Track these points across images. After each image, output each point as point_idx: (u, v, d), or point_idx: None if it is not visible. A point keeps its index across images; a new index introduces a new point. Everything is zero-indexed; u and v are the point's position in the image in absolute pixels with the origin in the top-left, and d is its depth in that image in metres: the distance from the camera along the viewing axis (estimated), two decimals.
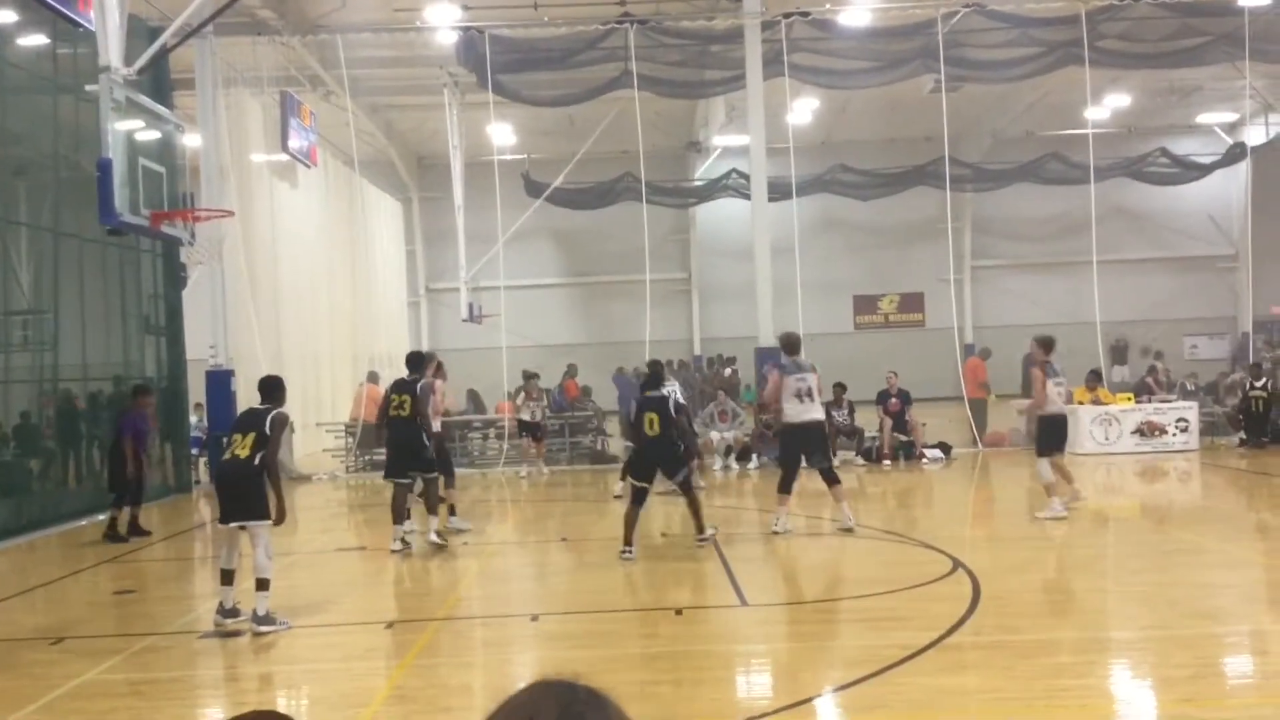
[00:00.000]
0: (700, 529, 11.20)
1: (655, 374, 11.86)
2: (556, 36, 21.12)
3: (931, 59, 20.62)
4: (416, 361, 12.22)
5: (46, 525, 14.36)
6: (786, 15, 20.04)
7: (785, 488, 11.79)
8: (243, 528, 8.50)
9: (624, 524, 10.87)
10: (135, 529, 13.51)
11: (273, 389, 8.98)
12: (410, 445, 11.59)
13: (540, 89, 22.79)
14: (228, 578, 8.53)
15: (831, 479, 11.90)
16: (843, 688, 6.58)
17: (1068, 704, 6.24)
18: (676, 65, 21.69)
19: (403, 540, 11.60)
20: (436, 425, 12.80)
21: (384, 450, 12.38)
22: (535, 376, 18.99)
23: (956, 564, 9.84)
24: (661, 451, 11.01)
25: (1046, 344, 12.95)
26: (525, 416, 18.56)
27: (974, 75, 22.39)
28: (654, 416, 10.94)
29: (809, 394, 11.64)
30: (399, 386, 11.83)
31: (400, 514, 11.72)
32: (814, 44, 21.08)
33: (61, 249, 15.28)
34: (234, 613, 8.51)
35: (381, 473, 12.63)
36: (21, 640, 8.50)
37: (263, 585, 8.35)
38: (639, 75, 20.46)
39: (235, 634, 8.35)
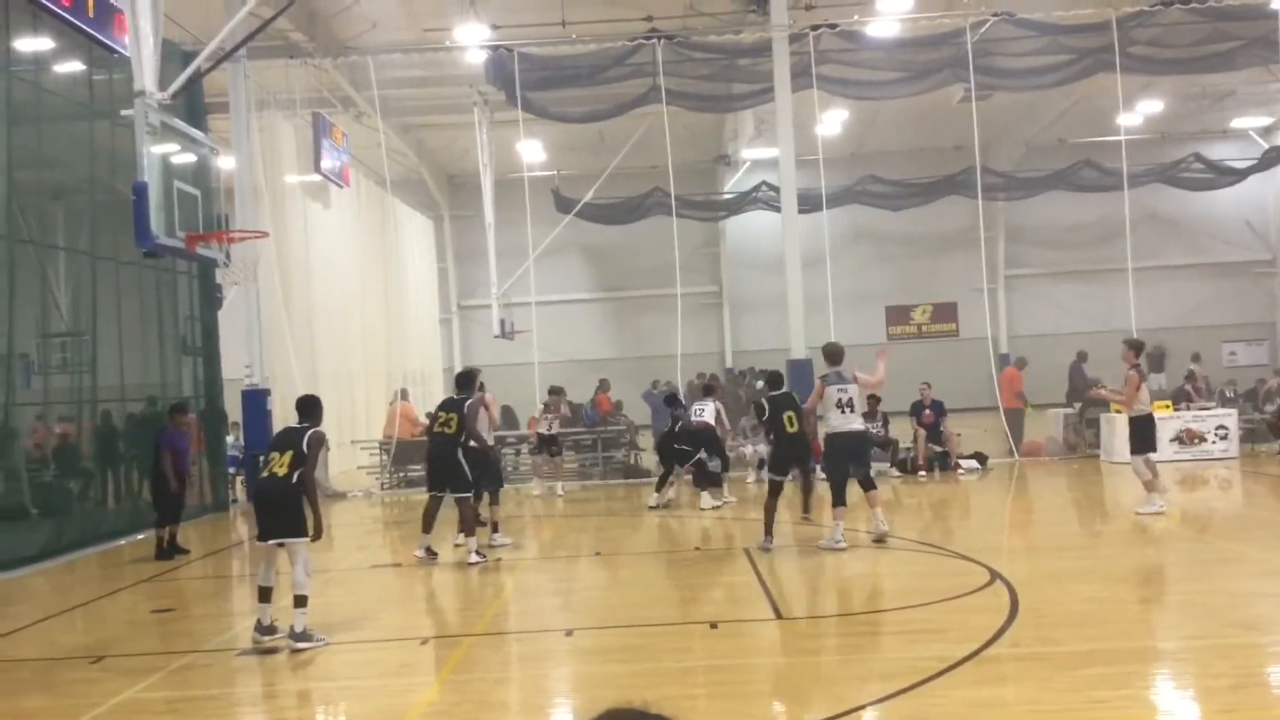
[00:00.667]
0: (806, 508, 12.86)
1: (776, 377, 13.12)
2: (584, 53, 21.23)
3: (961, 68, 20.55)
4: (466, 381, 12.47)
5: (86, 545, 14.50)
6: (814, 27, 20.05)
7: (840, 499, 11.71)
8: (281, 545, 8.57)
9: (764, 515, 11.79)
10: (174, 547, 13.64)
11: (310, 408, 9.07)
12: (449, 462, 11.79)
13: (569, 105, 22.90)
14: (265, 595, 8.59)
15: (869, 485, 11.94)
16: (879, 701, 6.53)
17: (1107, 715, 6.15)
18: (705, 79, 21.74)
19: (428, 550, 11.94)
20: (490, 439, 13.03)
21: (423, 466, 12.60)
22: (560, 391, 18.99)
23: (994, 575, 9.75)
24: (801, 447, 12.14)
25: (1137, 347, 13.75)
26: (543, 430, 18.41)
27: (1004, 84, 22.30)
28: (792, 414, 11.95)
29: (850, 404, 11.73)
30: (448, 405, 12.10)
31: (430, 523, 12.04)
32: (842, 55, 21.05)
33: (99, 272, 15.47)
34: (272, 630, 8.56)
35: (414, 489, 12.90)
36: (61, 659, 8.60)
37: (301, 602, 8.41)
38: (667, 90, 20.52)
39: (273, 651, 8.40)
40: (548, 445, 18.43)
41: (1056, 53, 21.28)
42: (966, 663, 7.07)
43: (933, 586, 9.54)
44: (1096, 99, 24.64)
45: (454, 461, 11.79)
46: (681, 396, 18.24)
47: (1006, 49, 21.33)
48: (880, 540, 11.72)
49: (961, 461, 18.73)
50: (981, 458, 19.03)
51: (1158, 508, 12.93)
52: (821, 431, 12.61)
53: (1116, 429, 18.61)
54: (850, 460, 11.85)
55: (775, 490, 11.85)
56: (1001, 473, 18.74)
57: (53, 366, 15.94)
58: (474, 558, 11.74)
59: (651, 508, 15.71)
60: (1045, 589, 9.37)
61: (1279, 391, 21.03)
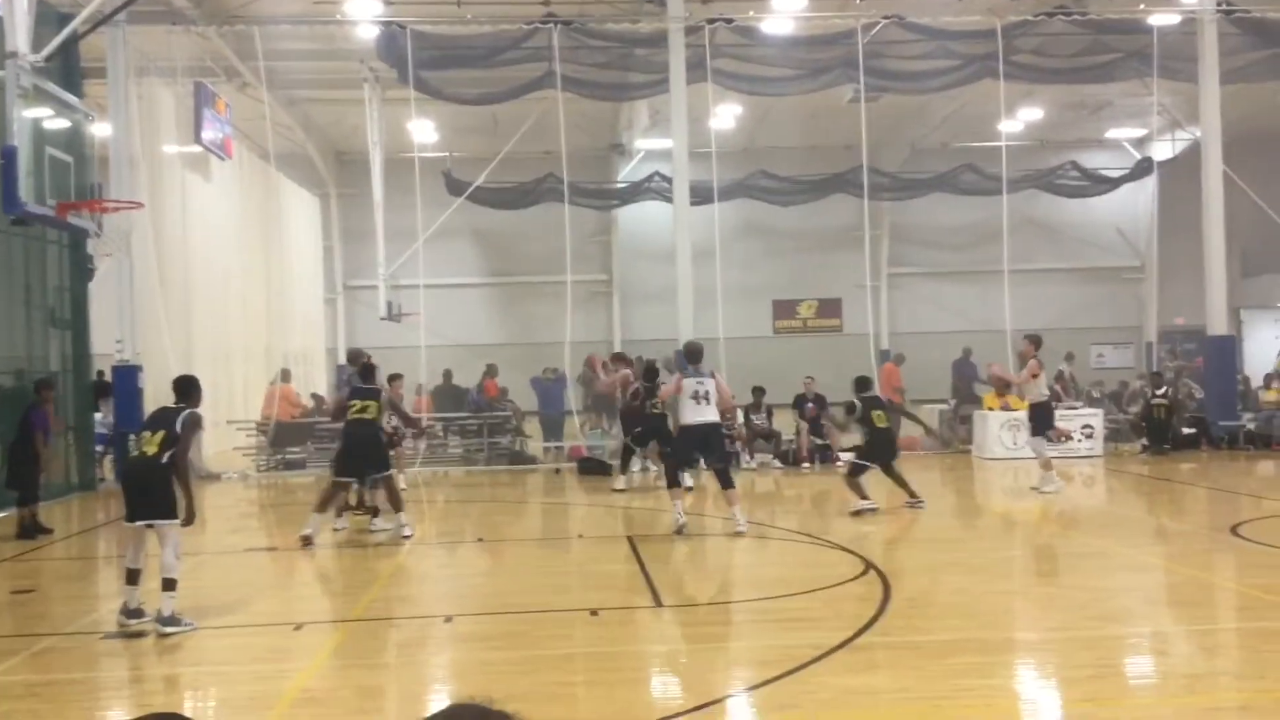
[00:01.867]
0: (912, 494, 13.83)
1: (865, 381, 14.37)
2: (480, 34, 21.01)
3: (852, 68, 20.92)
4: (370, 372, 12.76)
5: None
6: (710, 21, 20.21)
7: (675, 482, 12.52)
8: (150, 526, 8.31)
9: (853, 490, 13.48)
10: (37, 526, 13.14)
11: (188, 389, 8.79)
12: (373, 445, 12.26)
13: (463, 87, 22.62)
14: (133, 577, 8.32)
15: (726, 482, 12.33)
16: (754, 688, 6.64)
17: (974, 703, 6.36)
18: (601, 67, 21.70)
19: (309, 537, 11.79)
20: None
21: (302, 448, 12.53)
22: (399, 377, 18.23)
23: (868, 565, 10.00)
24: (893, 439, 14.51)
25: (1036, 340, 15.24)
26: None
27: (893, 86, 22.80)
28: (880, 413, 13.82)
29: (706, 397, 12.29)
30: (362, 394, 12.37)
31: (327, 505, 12.13)
32: (737, 50, 21.27)
33: None
34: (138, 613, 8.29)
35: (292, 471, 12.75)
36: None
37: (169, 585, 8.17)
38: (563, 76, 20.44)
39: (139, 635, 8.14)
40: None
41: (944, 57, 21.83)
42: (839, 650, 7.24)
43: (810, 576, 9.73)
44: (980, 105, 25.36)
45: (377, 444, 12.33)
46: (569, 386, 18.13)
47: (896, 51, 21.81)
48: (738, 535, 11.97)
49: (841, 454, 19.11)
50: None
51: (1056, 487, 14.68)
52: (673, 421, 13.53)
53: (989, 425, 19.27)
54: (699, 449, 12.79)
55: (859, 471, 13.68)
56: None
57: None
58: (407, 531, 12.13)
59: (618, 491, 15.67)
60: (918, 580, 9.64)
61: (1142, 394, 21.96)
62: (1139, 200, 32.11)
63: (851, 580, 9.49)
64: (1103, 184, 29.44)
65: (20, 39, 10.20)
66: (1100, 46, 21.75)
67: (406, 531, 12.18)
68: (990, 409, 19.75)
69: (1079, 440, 19.36)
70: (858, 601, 8.67)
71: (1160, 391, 20.42)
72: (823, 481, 17.52)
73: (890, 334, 33.92)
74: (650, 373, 16.29)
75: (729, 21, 20.41)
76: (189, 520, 8.45)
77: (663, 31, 20.31)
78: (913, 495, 13.75)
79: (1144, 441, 20.21)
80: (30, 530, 13.03)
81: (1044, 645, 7.68)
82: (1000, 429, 19.16)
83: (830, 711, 6.23)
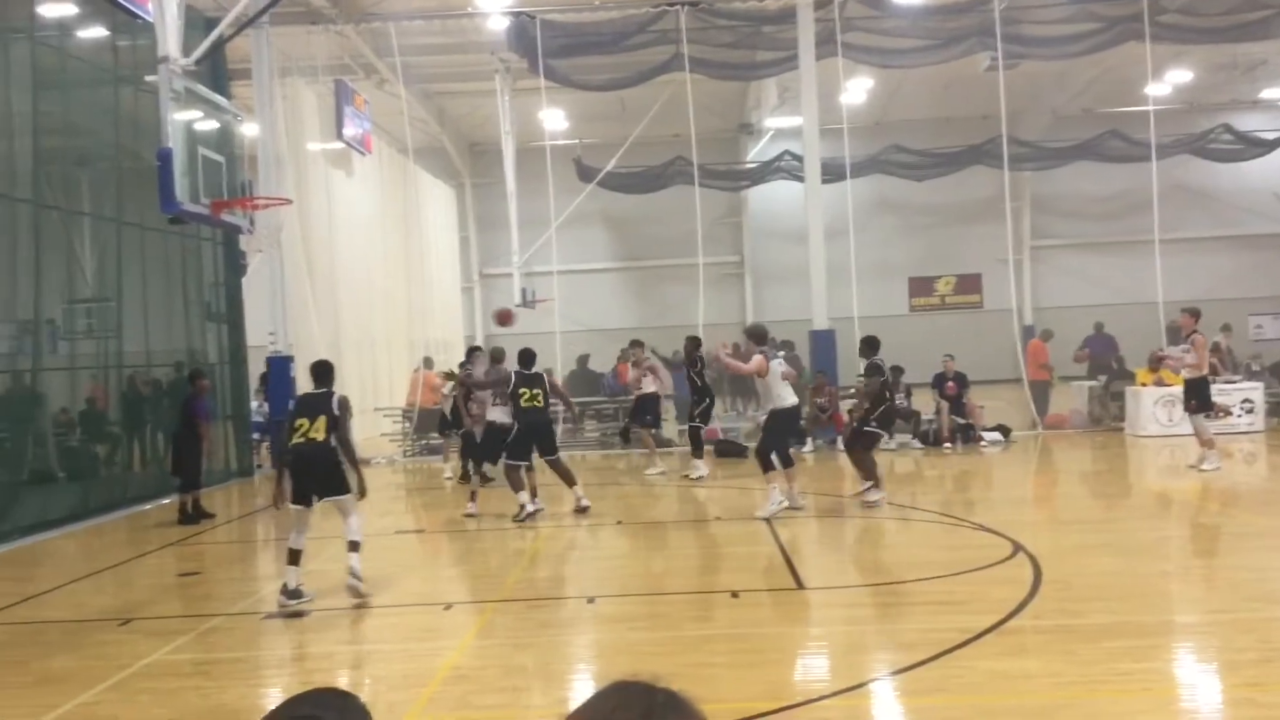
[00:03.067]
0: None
1: (875, 341, 13.52)
2: (607, 20, 21.09)
3: (988, 36, 20.30)
4: (531, 359, 13.23)
5: (112, 509, 14.67)
6: None
7: (771, 466, 12.38)
8: (308, 507, 8.88)
9: (863, 471, 12.86)
10: (199, 511, 13.78)
11: (328, 372, 9.29)
12: (548, 431, 13.15)
13: (591, 73, 22.76)
14: (295, 558, 8.74)
15: (789, 462, 12.58)
16: (900, 671, 6.54)
17: (1130, 688, 6.14)
18: (728, 47, 21.55)
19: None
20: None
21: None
22: (639, 344, 17.89)
23: (1017, 547, 9.73)
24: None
25: (1195, 313, 14.70)
26: (653, 389, 17.01)
27: (1031, 52, 22.01)
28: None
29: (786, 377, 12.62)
30: (529, 381, 12.89)
31: (521, 485, 12.73)
32: (868, 23, 20.84)
33: (124, 238, 15.56)
34: (298, 594, 8.67)
35: (436, 456, 13.28)
36: (91, 621, 8.71)
37: (356, 547, 8.83)
38: (690, 58, 20.37)
39: (299, 615, 8.49)
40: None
41: (1085, 21, 20.99)
42: (989, 634, 7.07)
43: (955, 559, 9.52)
44: (1125, 68, 24.29)
45: (550, 429, 13.31)
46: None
47: (1034, 16, 21.07)
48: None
49: (984, 434, 18.67)
50: (1005, 430, 18.96)
51: (1215, 465, 13.98)
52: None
53: (1143, 402, 18.53)
54: (792, 433, 13.23)
55: (873, 442, 13.15)
56: (1025, 445, 18.68)
57: (79, 332, 16.07)
58: (584, 502, 12.85)
59: (693, 477, 15.79)
60: (1068, 562, 9.34)
61: None
62: None
63: (999, 563, 9.25)
64: (1258, 147, 27.98)
65: (171, 44, 10.65)
66: (1253, 2, 20.59)
67: (585, 503, 12.85)
68: (1143, 384, 18.98)
69: (1239, 415, 18.46)
70: (1006, 584, 8.45)
71: None
72: (965, 462, 17.14)
73: (1034, 309, 32.92)
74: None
75: None
76: (363, 494, 9.14)
77: (791, 7, 20.05)
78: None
79: None
80: (193, 515, 13.68)
81: (1203, 628, 7.36)
82: (1155, 405, 18.41)
83: (980, 695, 6.09)
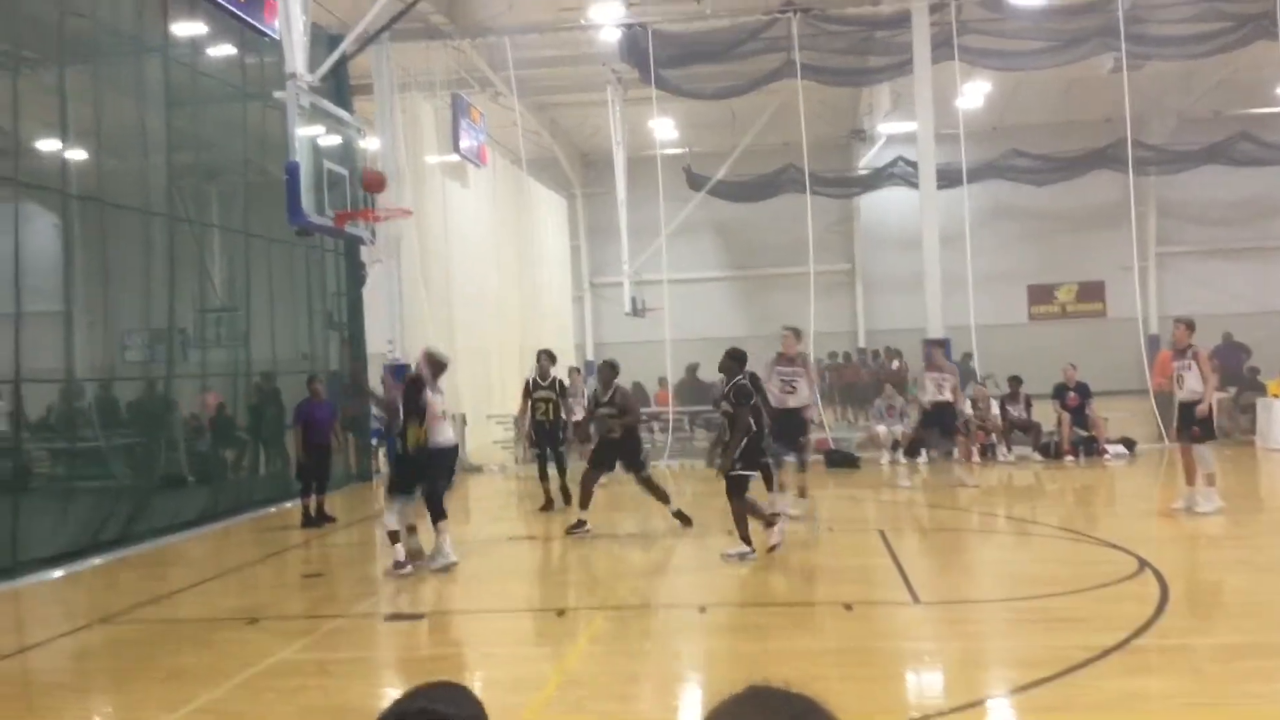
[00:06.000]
0: None
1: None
2: (718, 29, 21.10)
3: (1111, 37, 19.74)
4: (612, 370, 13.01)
5: (239, 512, 15.17)
6: None
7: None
8: None
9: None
10: (322, 515, 14.15)
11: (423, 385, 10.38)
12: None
13: (702, 82, 22.81)
14: (410, 530, 10.07)
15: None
16: (1020, 689, 6.38)
17: (1261, 711, 5.90)
18: (840, 53, 21.40)
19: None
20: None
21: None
22: (576, 370, 17.94)
23: (1142, 564, 9.41)
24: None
25: None
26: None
27: (1157, 53, 21.34)
28: None
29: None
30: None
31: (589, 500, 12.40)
32: (985, 25, 20.46)
33: (251, 249, 16.08)
34: (419, 554, 10.21)
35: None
36: (220, 620, 9.02)
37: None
38: (802, 65, 20.26)
39: (417, 617, 8.68)
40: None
41: (1213, 20, 20.25)
42: (1113, 653, 6.84)
43: (1077, 574, 9.26)
44: (1255, 69, 23.36)
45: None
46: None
47: (1160, 16, 20.42)
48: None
49: (1108, 446, 18.08)
50: (1129, 443, 18.34)
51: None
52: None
53: (1274, 414, 17.75)
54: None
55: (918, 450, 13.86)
56: (1151, 459, 18.05)
57: (208, 340, 16.70)
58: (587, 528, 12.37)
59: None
60: (1196, 579, 9.02)
61: None
62: None
63: (1123, 579, 8.95)
64: None
65: (298, 61, 11.02)
66: None
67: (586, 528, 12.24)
68: (1275, 396, 18.18)
69: None
70: (1131, 601, 8.17)
71: None
72: (1087, 475, 16.63)
73: (1160, 317, 31.83)
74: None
75: None
76: None
77: (905, 12, 19.79)
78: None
79: None
80: (316, 518, 14.06)
81: None
82: None
83: (1104, 715, 5.92)
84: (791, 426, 12.65)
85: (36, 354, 12.18)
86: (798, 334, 13.36)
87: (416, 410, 10.12)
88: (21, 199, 11.82)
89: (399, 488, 10.31)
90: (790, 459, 12.93)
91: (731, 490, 10.33)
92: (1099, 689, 6.27)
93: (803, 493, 12.95)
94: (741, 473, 10.31)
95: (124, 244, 14.05)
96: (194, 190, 16.56)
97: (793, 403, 12.71)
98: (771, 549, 10.29)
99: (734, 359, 10.68)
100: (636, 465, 12.42)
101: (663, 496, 12.31)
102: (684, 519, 12.15)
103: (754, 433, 10.29)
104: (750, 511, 10.42)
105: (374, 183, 12.93)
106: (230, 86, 15.84)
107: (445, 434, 10.61)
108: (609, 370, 13.02)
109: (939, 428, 15.37)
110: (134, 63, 14.07)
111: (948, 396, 15.24)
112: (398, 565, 10.04)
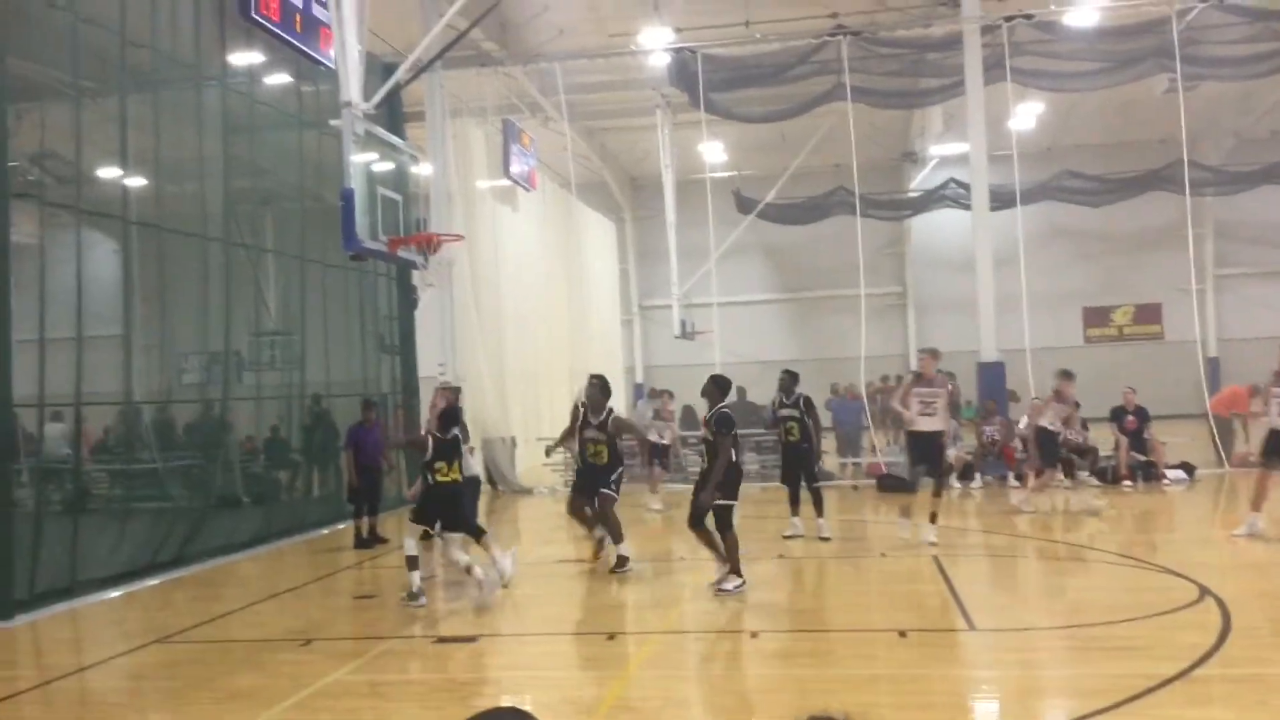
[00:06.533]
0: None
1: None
2: (768, 52, 21.15)
3: (1166, 58, 19.54)
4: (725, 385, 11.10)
5: (293, 533, 15.32)
6: (1008, 18, 19.40)
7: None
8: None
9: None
10: (374, 536, 14.24)
11: (458, 417, 10.96)
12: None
13: (752, 105, 22.86)
14: (416, 563, 10.16)
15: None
16: (1079, 719, 6.25)
17: None
18: (891, 75, 21.35)
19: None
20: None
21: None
22: (667, 394, 18.18)
23: (1204, 591, 9.21)
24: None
25: None
26: (653, 437, 16.49)
27: (1213, 73, 21.08)
28: None
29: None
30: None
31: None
32: (1037, 46, 20.33)
33: (306, 274, 16.32)
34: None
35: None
36: (274, 641, 9.10)
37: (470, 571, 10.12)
38: (852, 87, 20.23)
39: (469, 640, 8.69)
40: (660, 455, 16.89)
41: (1269, 40, 19.97)
42: (1175, 682, 6.70)
43: (1136, 602, 9.08)
44: None
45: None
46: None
47: (1215, 36, 20.16)
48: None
49: (1167, 471, 17.75)
50: (1189, 468, 18.00)
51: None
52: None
53: None
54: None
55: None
56: (1210, 484, 17.69)
57: (263, 363, 16.93)
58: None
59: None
60: (1260, 607, 8.80)
61: None
62: None
63: (1185, 607, 8.77)
64: None
65: (353, 90, 11.16)
66: None
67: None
68: None
69: None
70: (1192, 629, 8.00)
71: None
72: (1146, 501, 16.33)
73: (1218, 340, 31.31)
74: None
75: (1028, 17, 19.53)
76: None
77: (956, 34, 19.72)
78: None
79: None
80: (367, 540, 14.16)
81: None
82: None
83: None
84: (930, 449, 12.33)
85: (96, 377, 12.41)
86: (935, 355, 12.69)
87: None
88: (83, 226, 12.06)
89: (419, 517, 10.38)
90: (926, 481, 12.63)
91: (720, 523, 10.11)
92: (1161, 718, 6.13)
93: (934, 518, 12.36)
94: (722, 503, 10.07)
95: (181, 269, 14.33)
96: (250, 216, 16.85)
97: (931, 425, 12.25)
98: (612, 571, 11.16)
99: (717, 385, 10.41)
100: (607, 491, 11.62)
101: (617, 534, 11.51)
102: (622, 561, 11.36)
103: (733, 463, 10.11)
104: (709, 542, 10.29)
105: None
106: (286, 114, 16.11)
107: (469, 468, 11.40)
108: (600, 391, 11.89)
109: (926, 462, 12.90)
110: (192, 92, 14.37)
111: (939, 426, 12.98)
112: (411, 597, 9.99)
